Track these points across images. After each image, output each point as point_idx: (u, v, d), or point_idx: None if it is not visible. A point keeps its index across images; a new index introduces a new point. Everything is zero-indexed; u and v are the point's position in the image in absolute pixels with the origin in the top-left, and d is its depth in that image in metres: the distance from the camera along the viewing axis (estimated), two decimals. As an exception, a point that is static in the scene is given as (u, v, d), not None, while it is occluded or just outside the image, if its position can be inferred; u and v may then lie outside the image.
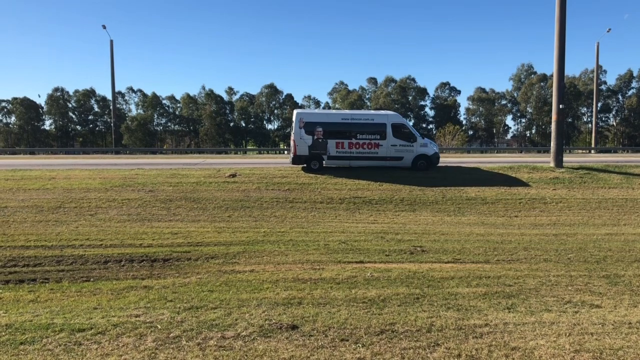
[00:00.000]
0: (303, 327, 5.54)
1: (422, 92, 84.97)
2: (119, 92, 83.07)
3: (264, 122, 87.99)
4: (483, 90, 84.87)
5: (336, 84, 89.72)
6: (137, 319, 5.82)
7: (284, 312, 6.11)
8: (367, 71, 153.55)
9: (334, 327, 5.54)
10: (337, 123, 20.49)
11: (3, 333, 5.25)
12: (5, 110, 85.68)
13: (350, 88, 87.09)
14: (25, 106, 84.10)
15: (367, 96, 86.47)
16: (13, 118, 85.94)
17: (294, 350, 4.85)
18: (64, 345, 4.93)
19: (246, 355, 4.71)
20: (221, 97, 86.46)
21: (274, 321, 5.71)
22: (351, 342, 5.11)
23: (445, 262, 9.28)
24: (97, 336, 5.20)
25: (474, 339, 5.25)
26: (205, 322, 5.68)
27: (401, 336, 5.32)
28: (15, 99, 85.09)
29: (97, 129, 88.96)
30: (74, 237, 11.47)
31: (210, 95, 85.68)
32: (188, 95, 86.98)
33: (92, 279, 8.30)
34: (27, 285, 7.96)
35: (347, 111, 22.88)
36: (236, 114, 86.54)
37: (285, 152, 52.95)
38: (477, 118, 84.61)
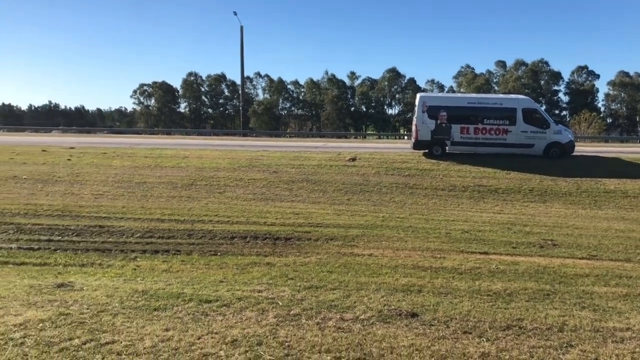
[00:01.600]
0: (423, 316, 5.36)
1: (556, 76, 79.63)
2: (248, 77, 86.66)
3: (385, 107, 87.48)
4: (627, 74, 77.65)
5: (462, 67, 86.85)
6: (260, 294, 5.98)
7: (403, 299, 5.97)
8: (495, 54, 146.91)
9: (455, 318, 5.31)
10: (463, 107, 19.71)
11: (140, 299, 5.64)
12: (146, 93, 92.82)
13: (477, 72, 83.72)
14: (164, 90, 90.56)
15: (494, 80, 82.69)
16: (153, 101, 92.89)
17: (414, 339, 4.71)
18: (192, 314, 5.18)
19: (365, 339, 4.65)
20: (343, 82, 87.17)
21: (393, 307, 5.59)
22: (474, 336, 4.86)
23: (579, 258, 8.58)
24: (222, 308, 5.40)
25: (614, 344, 4.77)
26: (325, 302, 5.70)
27: (529, 333, 4.97)
28: (155, 82, 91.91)
29: (226, 112, 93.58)
30: (204, 212, 12.12)
31: (333, 80, 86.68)
32: (311, 80, 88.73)
33: (219, 253, 8.70)
34: (161, 255, 8.52)
35: (474, 95, 21.98)
36: (357, 98, 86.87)
37: (405, 137, 52.29)
38: (618, 105, 77.75)
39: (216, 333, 4.68)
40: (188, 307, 5.41)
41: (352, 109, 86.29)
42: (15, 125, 74.33)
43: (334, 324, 5.04)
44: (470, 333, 4.93)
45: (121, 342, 4.40)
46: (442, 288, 6.58)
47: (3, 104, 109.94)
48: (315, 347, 4.45)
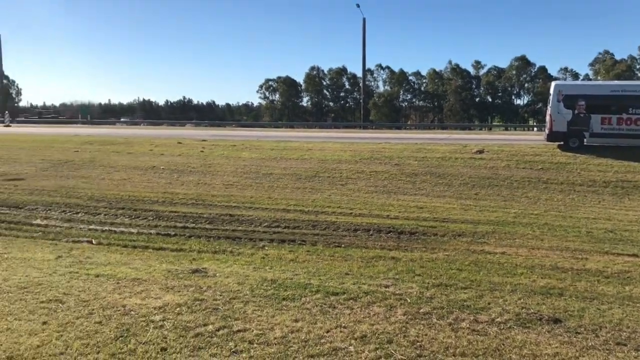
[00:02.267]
0: (567, 322, 4.89)
1: None
2: (368, 70, 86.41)
3: (512, 97, 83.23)
4: None
5: (599, 53, 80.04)
6: (387, 289, 5.82)
7: (543, 302, 5.50)
8: (637, 38, 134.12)
9: (605, 327, 4.78)
10: (604, 96, 18.04)
11: (269, 287, 5.71)
12: (271, 88, 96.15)
13: (617, 58, 76.85)
14: (288, 84, 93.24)
15: (637, 67, 75.46)
16: (277, 95, 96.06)
17: (559, 347, 4.29)
18: (320, 306, 5.13)
19: (503, 344, 4.31)
20: (467, 72, 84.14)
21: (532, 311, 5.16)
22: (630, 349, 4.33)
23: None
24: (350, 302, 5.30)
25: None
26: (456, 302, 5.41)
27: (698, 351, 4.34)
28: (279, 78, 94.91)
29: (347, 105, 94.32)
30: (327, 204, 12.19)
31: (456, 70, 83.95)
32: (434, 70, 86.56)
33: (343, 245, 8.66)
34: (287, 245, 8.65)
35: (618, 82, 20.07)
36: (482, 88, 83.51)
37: (535, 129, 49.35)
38: None
39: (344, 327, 4.59)
40: (315, 298, 5.38)
41: (477, 99, 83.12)
42: (154, 119, 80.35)
43: (468, 325, 4.74)
44: (625, 345, 4.40)
45: (252, 331, 4.44)
46: (587, 292, 5.99)
47: (143, 100, 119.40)
48: (449, 349, 4.19)
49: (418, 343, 4.30)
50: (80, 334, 4.30)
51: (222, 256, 7.74)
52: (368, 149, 20.01)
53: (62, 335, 4.26)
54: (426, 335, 4.47)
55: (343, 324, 4.66)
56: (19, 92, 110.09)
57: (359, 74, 76.76)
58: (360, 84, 70.52)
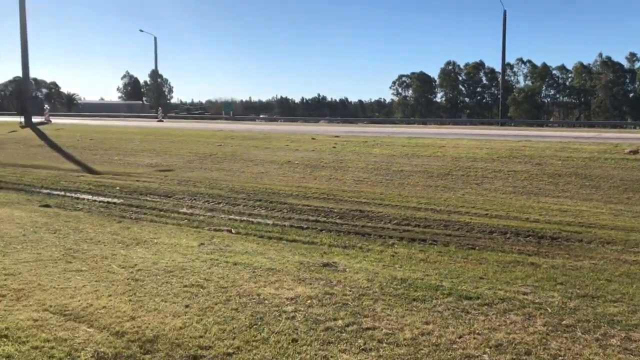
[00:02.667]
0: None
1: None
2: (508, 64, 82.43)
3: (675, 93, 74.90)
4: None
5: None
6: (525, 297, 5.46)
7: None
8: None
9: None
10: None
11: (399, 286, 5.62)
12: (404, 84, 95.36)
13: None
14: (421, 80, 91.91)
15: None
16: (410, 91, 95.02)
17: None
18: (452, 309, 4.95)
19: (661, 369, 3.85)
20: (620, 65, 77.00)
21: (697, 333, 4.56)
22: None
23: None
24: (484, 307, 5.05)
25: None
26: (604, 316, 4.92)
27: None
28: (413, 73, 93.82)
29: (483, 100, 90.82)
30: (460, 204, 11.79)
31: (607, 63, 77.18)
32: (581, 64, 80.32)
33: (477, 248, 8.30)
34: (418, 244, 8.47)
35: None
36: (637, 83, 75.96)
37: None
38: None
39: (478, 334, 4.37)
40: (447, 301, 5.19)
41: (631, 95, 75.87)
42: (290, 116, 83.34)
43: (619, 343, 4.29)
44: None
45: (381, 330, 4.39)
46: None
47: (281, 97, 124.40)
48: (597, 368, 3.83)
49: (560, 357, 3.97)
50: (218, 319, 4.52)
51: (352, 251, 7.77)
52: (506, 147, 19.06)
53: (202, 319, 4.51)
54: (569, 349, 4.12)
55: (477, 331, 4.44)
56: (170, 90, 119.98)
57: (498, 68, 73.49)
58: (499, 79, 67.48)
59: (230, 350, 3.95)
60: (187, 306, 4.83)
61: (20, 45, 34.38)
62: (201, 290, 5.31)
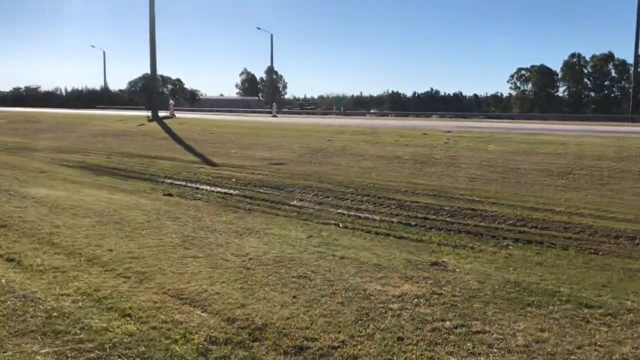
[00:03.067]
0: None
1: None
2: (641, 55, 75.69)
3: None
4: None
5: None
6: (657, 310, 4.97)
7: None
8: None
9: None
10: None
11: (512, 290, 5.34)
12: (523, 77, 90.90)
13: None
14: (542, 73, 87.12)
15: None
16: (529, 85, 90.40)
17: None
18: (570, 317, 4.62)
19: None
20: None
21: None
22: None
23: None
24: (607, 318, 4.66)
25: None
26: None
27: None
28: (532, 66, 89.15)
29: (611, 95, 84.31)
30: (582, 205, 11.01)
31: None
32: None
33: (600, 253, 7.71)
34: (534, 246, 8.03)
35: None
36: None
37: None
38: None
39: (600, 346, 4.04)
40: (565, 308, 4.86)
41: None
42: (401, 110, 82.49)
43: None
44: None
45: (492, 334, 4.20)
46: None
47: (392, 92, 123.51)
48: None
49: (697, 380, 3.57)
50: (324, 312, 4.56)
51: (463, 251, 7.52)
52: (637, 145, 17.52)
53: (308, 311, 4.58)
54: None
55: (598, 342, 4.11)
56: (284, 86, 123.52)
57: (629, 60, 67.72)
58: (630, 71, 62.18)
59: (335, 344, 3.96)
60: (294, 297, 4.92)
61: (149, 45, 36.98)
62: (308, 282, 5.39)
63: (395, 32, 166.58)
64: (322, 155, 19.33)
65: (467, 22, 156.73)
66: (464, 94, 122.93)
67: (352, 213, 10.40)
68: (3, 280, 5.04)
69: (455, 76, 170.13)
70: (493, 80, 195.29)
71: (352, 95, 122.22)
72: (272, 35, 66.75)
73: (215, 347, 3.84)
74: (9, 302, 4.49)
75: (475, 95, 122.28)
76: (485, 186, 13.49)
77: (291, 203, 11.31)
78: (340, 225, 9.15)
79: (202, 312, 4.49)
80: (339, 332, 4.16)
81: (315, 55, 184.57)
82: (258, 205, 10.99)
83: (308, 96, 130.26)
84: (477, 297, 5.07)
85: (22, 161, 17.28)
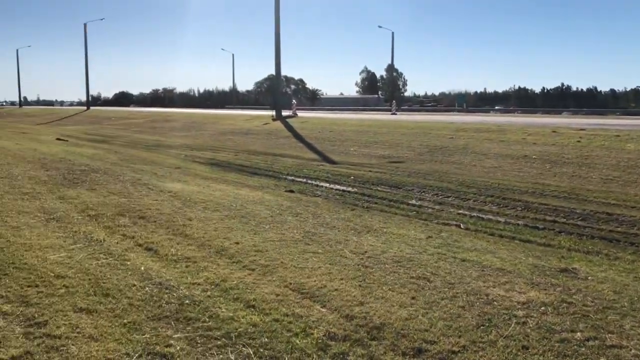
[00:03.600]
0: None
1: None
2: None
3: None
4: None
5: None
6: None
7: None
8: None
9: None
10: None
11: (654, 303, 4.87)
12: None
13: None
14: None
15: None
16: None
17: None
18: None
19: None
20: None
21: None
22: None
23: None
24: None
25: None
26: None
27: None
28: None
29: None
30: None
31: None
32: None
33: None
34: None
35: None
36: None
37: None
38: None
39: None
40: None
41: None
42: (528, 107, 78.35)
43: None
44: None
45: (630, 350, 3.86)
46: None
47: (519, 87, 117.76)
48: None
49: None
50: (444, 315, 4.46)
51: (596, 258, 6.99)
52: None
53: (427, 313, 4.50)
54: None
55: None
56: (404, 84, 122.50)
57: None
58: None
59: (455, 349, 3.86)
60: (413, 298, 4.86)
61: (274, 48, 38.36)
62: (427, 283, 5.30)
63: (522, 24, 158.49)
64: (443, 153, 18.91)
65: (603, 9, 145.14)
66: (598, 89, 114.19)
67: (475, 214, 10.06)
68: (142, 268, 5.49)
69: (589, 70, 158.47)
70: (633, 73, 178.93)
71: (475, 92, 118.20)
72: (392, 33, 66.80)
73: (334, 342, 3.90)
74: (147, 289, 4.88)
75: (612, 90, 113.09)
76: (623, 188, 12.43)
77: (410, 202, 11.18)
78: (462, 226, 8.89)
79: (321, 307, 4.58)
80: (460, 337, 4.05)
81: (436, 51, 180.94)
82: (376, 203, 10.99)
83: (428, 93, 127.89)
84: (613, 309, 4.68)
85: (160, 157, 18.70)
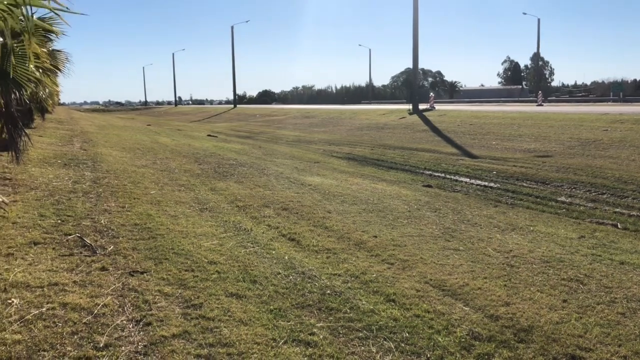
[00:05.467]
0: None
1: None
2: None
3: None
4: None
5: None
6: None
7: None
8: None
9: None
10: None
11: None
12: None
13: None
14: None
15: None
16: None
17: None
18: None
19: None
20: None
21: None
22: None
23: None
24: None
25: None
26: None
27: None
28: None
29: None
30: None
31: None
32: None
33: None
34: None
35: None
36: None
37: None
38: None
39: None
40: None
41: None
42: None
43: None
44: None
45: None
46: None
47: (635, 80, 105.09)
48: None
49: None
50: (600, 321, 4.11)
51: None
52: None
53: (581, 318, 4.18)
54: None
55: None
56: (551, 73, 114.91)
57: None
58: None
59: (614, 358, 3.54)
60: (564, 301, 4.54)
61: (412, 40, 37.88)
62: (581, 286, 4.92)
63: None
64: (596, 147, 17.44)
65: None
66: None
67: (634, 213, 9.16)
68: (286, 257, 5.71)
69: None
70: None
71: (635, 80, 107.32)
72: (539, 20, 62.95)
73: (478, 342, 3.76)
74: (291, 277, 5.06)
75: None
76: None
77: (559, 199, 10.47)
78: (619, 225, 8.14)
79: (464, 305, 4.44)
80: (619, 346, 3.70)
81: (587, 36, 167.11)
82: (521, 200, 10.44)
83: (578, 82, 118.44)
84: None
85: (300, 152, 19.35)
